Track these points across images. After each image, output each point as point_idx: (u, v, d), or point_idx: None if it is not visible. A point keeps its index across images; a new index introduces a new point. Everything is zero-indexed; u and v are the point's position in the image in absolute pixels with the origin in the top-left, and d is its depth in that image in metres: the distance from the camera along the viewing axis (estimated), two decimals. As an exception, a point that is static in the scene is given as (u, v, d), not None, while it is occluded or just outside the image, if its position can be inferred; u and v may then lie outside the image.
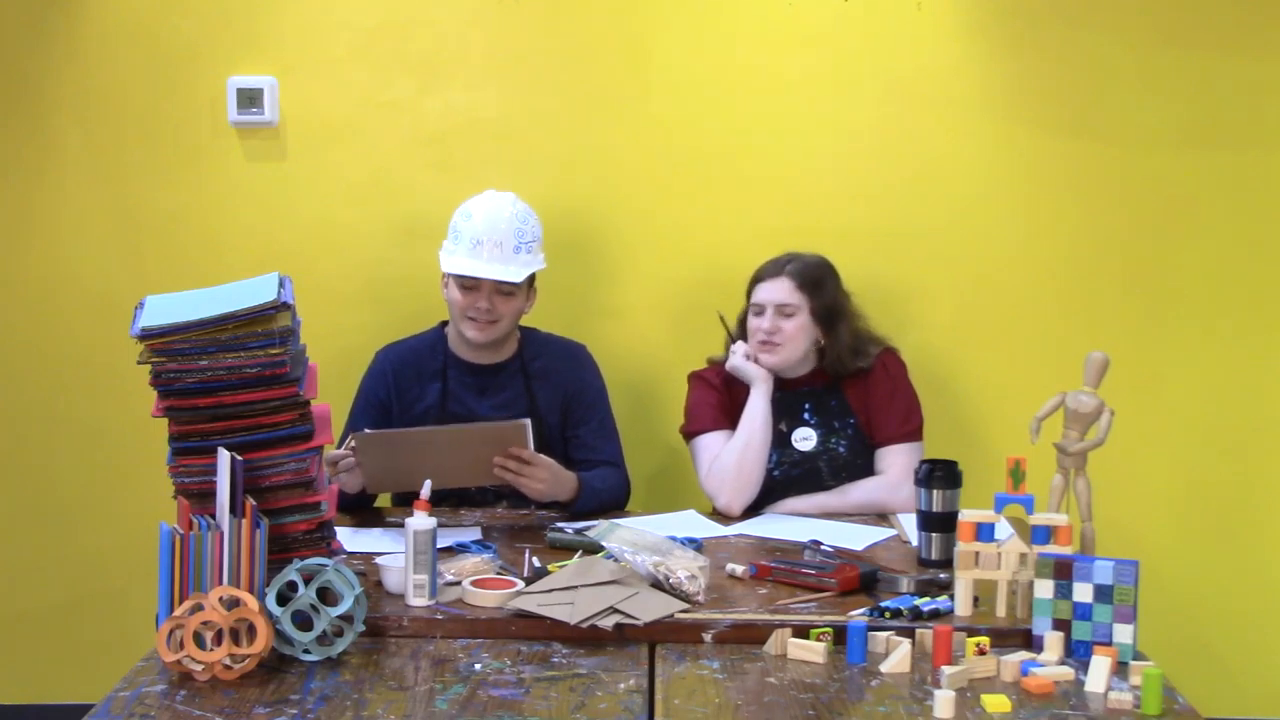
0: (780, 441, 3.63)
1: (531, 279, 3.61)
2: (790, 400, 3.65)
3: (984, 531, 2.75)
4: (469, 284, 3.53)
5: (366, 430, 3.34)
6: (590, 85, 4.01)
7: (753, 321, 3.63)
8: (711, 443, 3.63)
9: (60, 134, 4.02)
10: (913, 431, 3.64)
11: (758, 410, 3.56)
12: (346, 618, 2.56)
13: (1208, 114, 4.00)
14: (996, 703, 2.38)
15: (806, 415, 3.65)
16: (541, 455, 3.36)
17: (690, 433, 3.69)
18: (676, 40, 4.01)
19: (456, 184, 3.74)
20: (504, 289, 3.54)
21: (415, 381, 3.61)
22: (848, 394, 3.65)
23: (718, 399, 3.67)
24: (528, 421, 3.34)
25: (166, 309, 2.67)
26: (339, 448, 3.37)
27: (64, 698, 4.09)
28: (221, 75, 3.98)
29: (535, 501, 3.53)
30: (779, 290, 3.59)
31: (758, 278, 3.65)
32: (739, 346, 3.63)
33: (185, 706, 2.35)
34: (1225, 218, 4.03)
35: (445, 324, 3.69)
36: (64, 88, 3.99)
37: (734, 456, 3.55)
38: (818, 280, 3.62)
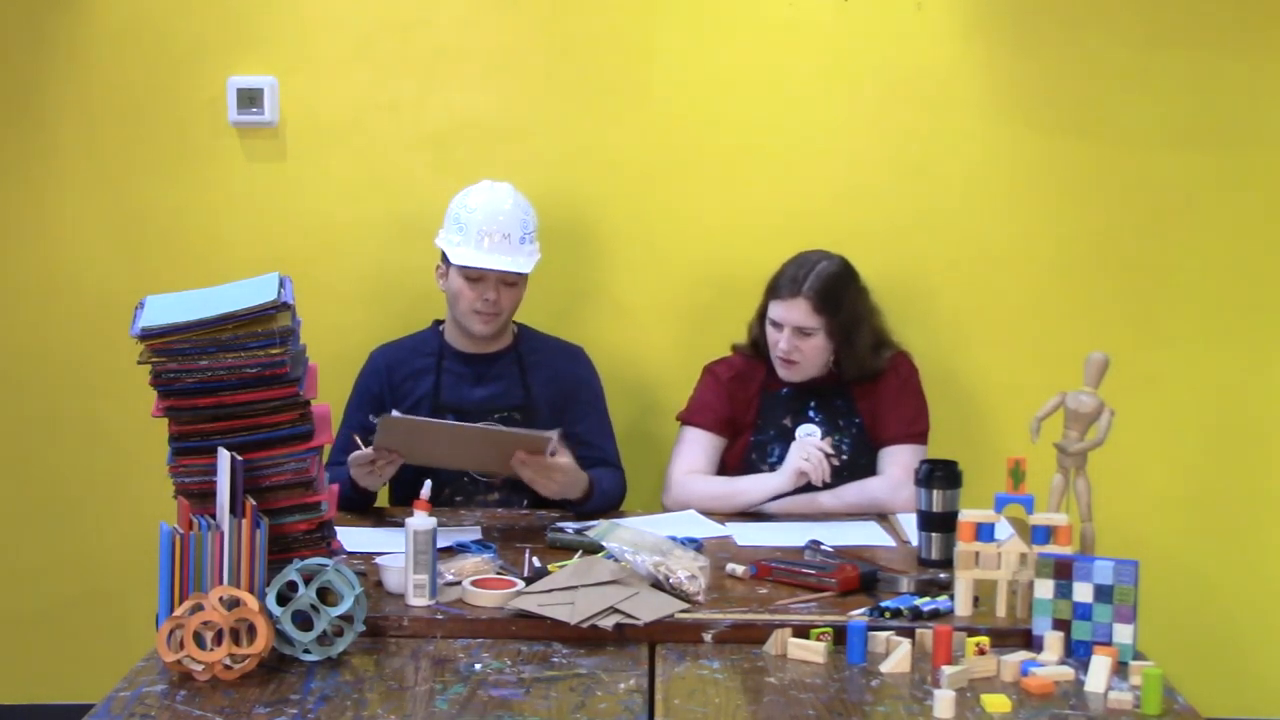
0: (784, 436, 3.62)
1: None
2: (797, 396, 3.65)
3: (984, 531, 2.75)
4: (475, 275, 3.53)
5: (394, 413, 3.27)
6: (590, 84, 4.01)
7: (771, 334, 3.59)
8: (696, 440, 3.65)
9: (60, 134, 4.01)
10: (918, 434, 3.63)
11: (765, 488, 3.51)
12: (346, 618, 2.56)
13: (1207, 114, 4.00)
14: (996, 703, 2.38)
15: (811, 412, 3.64)
16: (562, 460, 3.31)
17: (682, 420, 3.70)
18: (676, 40, 4.00)
19: (456, 184, 3.73)
20: (509, 279, 3.54)
21: (409, 376, 3.61)
22: (855, 394, 3.65)
23: (720, 400, 3.67)
24: (556, 434, 3.29)
25: (166, 309, 2.67)
26: (335, 445, 3.38)
27: (64, 698, 4.09)
28: (221, 75, 3.97)
29: (531, 497, 3.53)
30: (796, 313, 3.53)
31: (775, 291, 3.58)
32: (803, 455, 3.47)
33: (185, 706, 2.35)
34: (1224, 218, 4.03)
35: (438, 323, 3.70)
36: (64, 88, 3.99)
37: (710, 491, 3.55)
38: (836, 299, 3.55)
